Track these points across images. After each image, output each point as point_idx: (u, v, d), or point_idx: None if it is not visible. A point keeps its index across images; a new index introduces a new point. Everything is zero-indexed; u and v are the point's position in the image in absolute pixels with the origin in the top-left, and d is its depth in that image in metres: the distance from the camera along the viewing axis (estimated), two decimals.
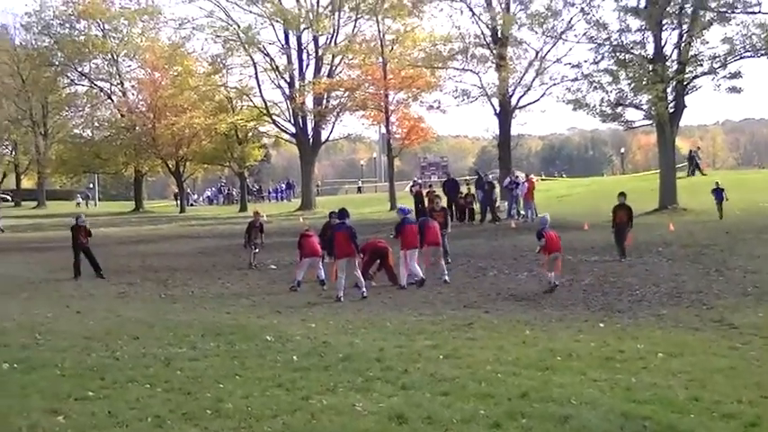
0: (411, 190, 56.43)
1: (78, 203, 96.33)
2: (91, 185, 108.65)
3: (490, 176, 53.17)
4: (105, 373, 12.87)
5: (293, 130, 73.73)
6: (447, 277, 25.52)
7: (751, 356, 13.68)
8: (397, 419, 10.01)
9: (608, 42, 45.54)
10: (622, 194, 29.49)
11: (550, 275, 22.93)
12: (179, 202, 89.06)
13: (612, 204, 29.53)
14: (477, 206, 46.62)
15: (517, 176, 47.54)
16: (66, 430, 9.74)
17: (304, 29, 70.92)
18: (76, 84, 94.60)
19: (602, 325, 17.13)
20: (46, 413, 10.52)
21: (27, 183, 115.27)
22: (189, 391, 11.67)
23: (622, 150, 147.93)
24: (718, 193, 39.88)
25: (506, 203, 48.07)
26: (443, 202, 35.89)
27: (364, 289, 22.97)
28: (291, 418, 10.12)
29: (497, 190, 49.99)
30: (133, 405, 10.91)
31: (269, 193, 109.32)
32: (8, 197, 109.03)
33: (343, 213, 24.25)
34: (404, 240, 25.23)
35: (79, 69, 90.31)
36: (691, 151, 69.91)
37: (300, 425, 9.85)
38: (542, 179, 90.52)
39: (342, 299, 22.41)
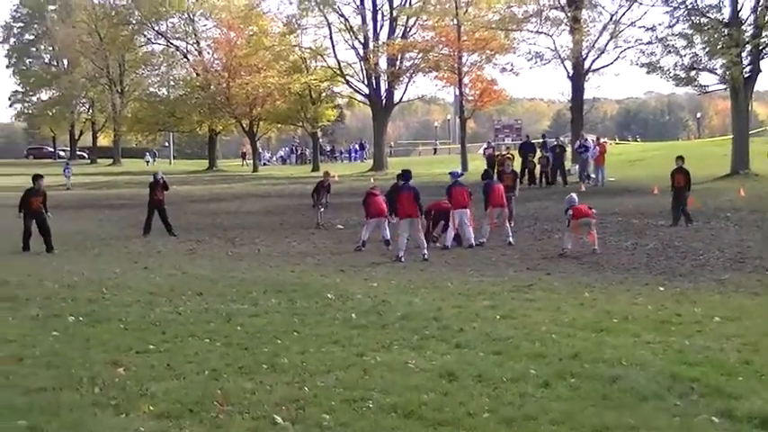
0: (484, 152, 56.23)
1: (147, 162, 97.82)
2: (166, 144, 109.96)
3: (564, 140, 52.96)
4: (167, 328, 13.12)
5: (366, 90, 73.62)
6: (512, 239, 25.64)
7: None
8: (447, 377, 10.08)
9: (683, 6, 44.92)
10: (680, 158, 29.44)
11: (569, 241, 23.24)
12: (246, 161, 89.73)
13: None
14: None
15: (586, 140, 47.16)
16: (126, 381, 9.91)
17: None
18: (153, 42, 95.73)
19: (662, 289, 17.09)
20: (107, 365, 10.72)
21: (103, 140, 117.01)
22: (247, 346, 11.85)
23: (699, 115, 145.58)
24: None
25: (577, 167, 47.82)
26: (516, 165, 35.90)
27: (426, 251, 23.05)
28: (344, 374, 10.25)
29: (568, 153, 49.78)
30: (192, 359, 11.10)
31: (341, 153, 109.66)
32: (85, 154, 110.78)
33: (406, 174, 24.45)
34: (453, 201, 25.46)
35: (156, 28, 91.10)
36: None
37: (353, 380, 9.97)
38: (616, 143, 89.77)
39: (402, 259, 22.57)
